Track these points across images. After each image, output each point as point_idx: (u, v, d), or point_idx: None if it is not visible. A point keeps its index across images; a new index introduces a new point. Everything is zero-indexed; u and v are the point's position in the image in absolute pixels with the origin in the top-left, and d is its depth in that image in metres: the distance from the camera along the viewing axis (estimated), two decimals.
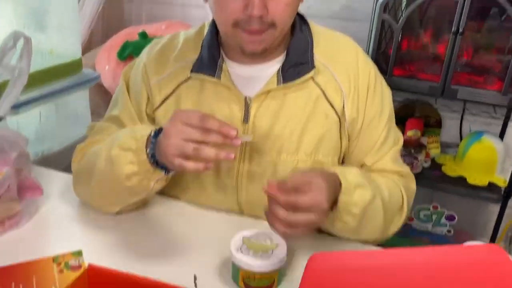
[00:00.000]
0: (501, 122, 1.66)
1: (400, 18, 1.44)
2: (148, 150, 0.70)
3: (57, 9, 1.26)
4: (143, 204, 0.86)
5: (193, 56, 0.82)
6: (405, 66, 1.57)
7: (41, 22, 1.24)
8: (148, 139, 0.70)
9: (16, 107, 1.09)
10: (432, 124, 1.79)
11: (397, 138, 0.87)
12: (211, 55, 0.80)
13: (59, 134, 1.35)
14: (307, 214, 0.63)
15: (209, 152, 0.63)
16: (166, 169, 0.71)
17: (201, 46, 0.82)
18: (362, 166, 0.85)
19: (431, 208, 1.71)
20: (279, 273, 0.67)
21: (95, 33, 2.00)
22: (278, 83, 0.78)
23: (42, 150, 1.29)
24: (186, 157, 0.64)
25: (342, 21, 1.75)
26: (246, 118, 0.79)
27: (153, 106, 0.85)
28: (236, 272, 0.67)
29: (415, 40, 1.57)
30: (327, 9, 1.77)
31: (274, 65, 0.80)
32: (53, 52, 1.29)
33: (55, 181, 0.94)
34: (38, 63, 1.21)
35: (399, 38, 1.48)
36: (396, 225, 0.83)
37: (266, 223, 0.83)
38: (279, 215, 0.63)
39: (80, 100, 1.41)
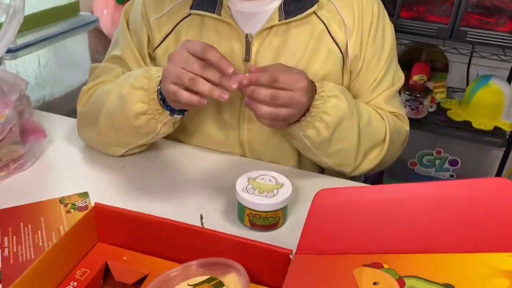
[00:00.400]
0: (509, 66, 1.63)
1: None
2: (159, 91, 0.70)
3: None
4: (148, 147, 0.85)
5: None
6: (413, 7, 1.52)
7: None
8: (161, 80, 0.70)
9: (14, 51, 1.07)
10: (439, 69, 1.76)
11: (397, 78, 0.84)
12: None
13: (59, 79, 1.33)
14: (288, 104, 0.65)
15: (203, 86, 0.62)
16: (174, 111, 0.72)
17: None
18: None
19: (434, 153, 1.71)
20: (284, 212, 0.68)
21: None
22: (280, 18, 0.75)
23: (43, 96, 1.28)
24: (183, 87, 0.64)
25: None
26: (247, 56, 0.77)
27: (154, 45, 0.83)
28: (242, 212, 0.68)
29: None
30: None
31: (275, 1, 0.77)
32: None
33: (58, 125, 0.94)
34: (33, 5, 1.17)
35: None
36: (372, 160, 0.79)
37: (270, 165, 0.83)
38: (260, 95, 0.64)
39: (79, 44, 1.37)
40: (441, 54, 1.71)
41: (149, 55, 0.84)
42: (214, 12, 0.76)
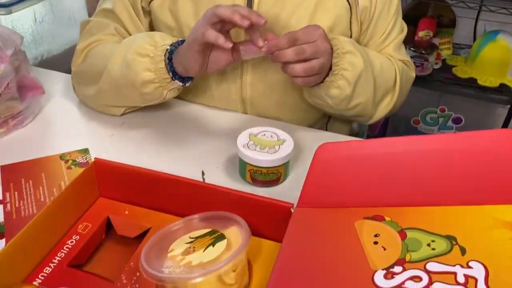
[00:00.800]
0: None
1: None
2: (168, 54, 0.69)
3: None
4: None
5: None
6: None
7: None
8: (167, 49, 0.70)
9: (8, 6, 1.04)
10: (446, 24, 1.71)
11: (403, 27, 0.85)
12: None
13: (57, 36, 1.30)
14: (314, 55, 0.65)
15: (240, 12, 0.62)
16: (183, 80, 0.73)
17: None
18: None
19: (438, 111, 1.69)
20: (285, 168, 0.68)
21: None
22: None
23: (41, 53, 1.26)
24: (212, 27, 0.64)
25: None
26: (249, 6, 0.74)
27: None
28: (243, 168, 0.67)
29: None
30: None
31: None
32: None
33: (57, 82, 0.92)
34: None
35: None
36: (385, 106, 0.82)
37: (272, 122, 0.82)
38: (286, 55, 0.64)
39: (75, 0, 1.34)
40: (448, 9, 1.66)
41: (143, 9, 0.81)
42: None
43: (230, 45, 0.64)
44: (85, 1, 1.39)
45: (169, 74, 0.70)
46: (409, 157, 0.47)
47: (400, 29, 0.84)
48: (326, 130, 0.90)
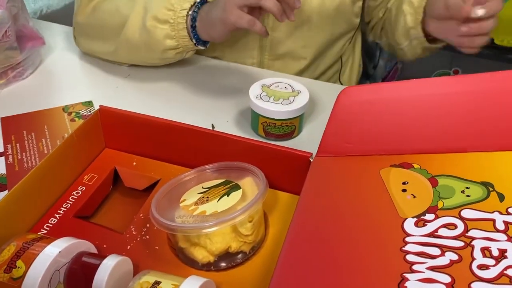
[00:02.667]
0: None
1: None
2: (190, 22, 0.67)
3: None
4: None
5: None
6: None
7: None
8: (188, 14, 0.67)
9: None
10: None
11: None
12: None
13: None
14: None
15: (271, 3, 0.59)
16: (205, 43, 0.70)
17: None
18: None
19: (451, 73, 1.64)
20: (300, 120, 0.64)
21: None
22: None
23: (40, 8, 1.20)
24: (248, 9, 0.61)
25: None
26: None
27: None
28: (256, 120, 0.64)
29: None
30: None
31: None
32: None
33: (58, 34, 0.88)
34: None
35: None
36: None
37: (287, 76, 0.78)
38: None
39: None
40: None
41: None
42: None
43: (267, 35, 0.62)
44: None
45: (192, 41, 0.68)
46: (439, 99, 0.43)
47: None
48: (339, 81, 0.87)
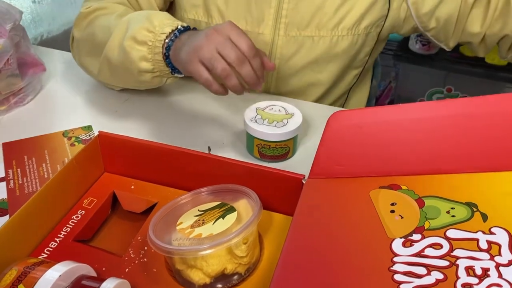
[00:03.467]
0: None
1: None
2: (164, 50, 0.63)
3: None
4: None
5: None
6: None
7: None
8: (168, 36, 0.63)
9: None
10: None
11: None
12: None
13: (56, 16, 1.27)
14: None
15: (232, 81, 0.57)
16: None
17: None
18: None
19: (444, 91, 1.67)
20: (294, 142, 0.66)
21: None
22: None
23: (40, 34, 1.23)
24: (208, 69, 0.58)
25: None
26: None
27: None
28: (251, 142, 0.66)
29: None
30: None
31: None
32: None
33: (58, 60, 0.90)
34: None
35: None
36: None
37: (282, 98, 0.80)
38: None
39: None
40: None
41: None
42: None
43: (226, 94, 0.60)
44: None
45: (167, 67, 0.64)
46: (425, 123, 0.45)
47: None
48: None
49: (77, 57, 0.79)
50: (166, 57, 0.63)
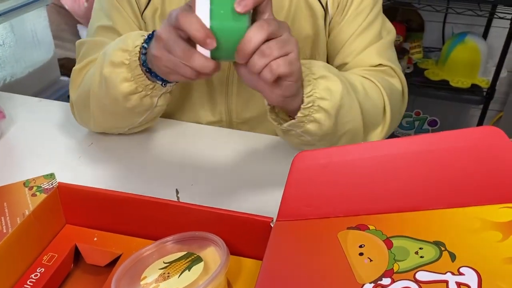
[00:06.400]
0: (484, 21, 1.61)
1: None
2: (141, 62, 0.60)
3: None
4: (154, 120, 0.75)
5: None
6: None
7: None
8: (141, 49, 0.60)
9: None
10: (414, 29, 1.73)
11: (387, 31, 0.77)
12: None
13: (20, 59, 1.25)
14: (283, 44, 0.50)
15: (185, 71, 0.52)
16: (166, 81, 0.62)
17: None
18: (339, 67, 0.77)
19: (413, 115, 1.70)
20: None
21: None
22: None
23: (4, 77, 1.21)
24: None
25: None
26: None
27: (141, 8, 0.74)
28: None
29: None
30: None
31: None
32: None
33: (20, 105, 0.88)
34: None
35: None
36: (378, 136, 0.71)
37: (251, 134, 0.80)
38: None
39: (38, 21, 1.29)
40: (416, 14, 1.68)
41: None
42: None
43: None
44: (48, 20, 1.35)
45: (148, 76, 0.61)
46: (390, 161, 0.45)
47: (381, 32, 0.76)
48: None
49: (77, 117, 0.76)
50: (147, 70, 0.60)
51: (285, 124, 0.61)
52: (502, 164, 0.40)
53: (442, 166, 0.43)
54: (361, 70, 0.73)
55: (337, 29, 0.76)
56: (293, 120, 0.60)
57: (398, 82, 0.77)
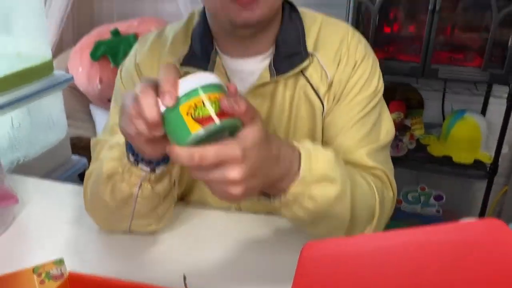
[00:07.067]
0: (482, 99, 1.67)
1: None
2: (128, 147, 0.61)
3: (22, 10, 1.20)
4: (161, 221, 0.74)
5: (184, 48, 0.76)
6: (384, 48, 1.56)
7: (5, 24, 1.18)
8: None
9: None
10: (414, 106, 1.79)
11: (385, 132, 0.76)
12: (203, 47, 0.74)
13: (34, 140, 1.30)
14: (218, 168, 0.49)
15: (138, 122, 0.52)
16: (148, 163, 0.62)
17: (191, 38, 0.76)
18: None
19: (418, 190, 1.71)
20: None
21: (66, 33, 1.94)
22: (271, 75, 0.73)
23: (17, 158, 1.24)
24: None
25: (317, 7, 1.72)
26: None
27: None
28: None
29: (393, 21, 1.55)
30: None
31: (266, 58, 0.75)
32: (21, 55, 1.23)
33: (32, 188, 0.90)
34: (5, 67, 1.16)
35: (377, 20, 1.46)
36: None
37: (266, 218, 0.80)
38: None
39: (54, 104, 1.35)
40: (415, 92, 1.75)
41: None
42: (206, 69, 0.73)
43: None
44: (64, 104, 1.41)
45: (129, 154, 0.61)
46: (400, 251, 0.46)
47: (386, 131, 0.76)
48: None
49: (93, 218, 0.76)
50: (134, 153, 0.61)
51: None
52: (507, 259, 0.41)
53: (450, 259, 0.44)
54: (360, 171, 0.73)
55: (330, 116, 0.77)
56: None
57: (389, 188, 0.75)
